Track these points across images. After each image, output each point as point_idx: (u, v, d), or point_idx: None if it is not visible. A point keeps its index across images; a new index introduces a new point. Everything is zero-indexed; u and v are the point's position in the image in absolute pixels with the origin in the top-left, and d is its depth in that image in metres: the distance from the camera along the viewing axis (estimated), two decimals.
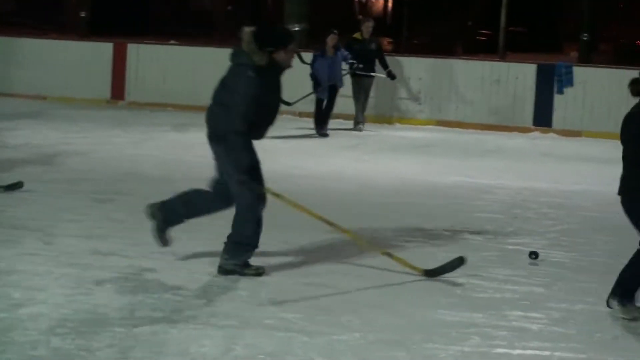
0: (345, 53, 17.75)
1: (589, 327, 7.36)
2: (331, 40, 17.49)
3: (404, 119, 20.55)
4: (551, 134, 20.03)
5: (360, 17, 54.51)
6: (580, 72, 20.79)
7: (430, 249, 9.63)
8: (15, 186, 11.35)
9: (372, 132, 18.82)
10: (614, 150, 17.33)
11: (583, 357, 6.74)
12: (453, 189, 13.22)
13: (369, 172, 14.38)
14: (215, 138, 8.25)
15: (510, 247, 9.84)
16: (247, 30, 8.22)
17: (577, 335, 7.18)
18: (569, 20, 46.62)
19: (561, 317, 7.59)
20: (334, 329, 7.01)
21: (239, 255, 8.38)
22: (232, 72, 8.32)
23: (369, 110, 19.59)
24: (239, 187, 8.18)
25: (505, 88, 20.72)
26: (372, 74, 18.91)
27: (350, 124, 19.05)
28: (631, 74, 23.07)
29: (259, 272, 8.42)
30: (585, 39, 38.48)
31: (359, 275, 8.55)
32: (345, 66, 17.94)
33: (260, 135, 8.37)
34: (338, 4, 48.35)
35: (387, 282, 8.38)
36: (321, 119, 17.75)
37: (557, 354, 6.76)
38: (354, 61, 18.03)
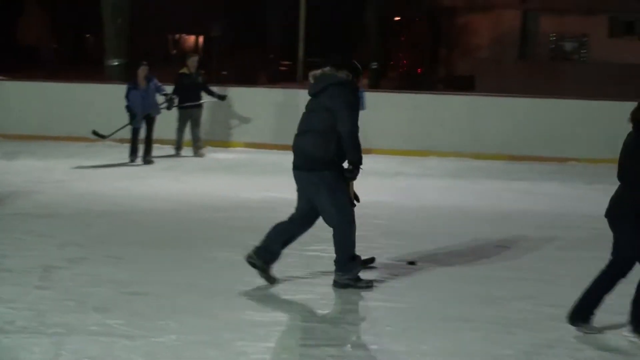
0: (159, 84, 17.50)
1: (381, 321, 7.52)
2: (142, 71, 17.18)
3: (216, 141, 20.51)
4: None
5: (174, 51, 54.54)
6: (371, 97, 21.17)
7: (239, 257, 9.67)
8: None
9: (189, 155, 18.68)
10: (400, 165, 17.95)
11: (375, 347, 6.90)
12: (261, 203, 13.26)
13: (184, 191, 14.30)
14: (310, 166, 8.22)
15: (310, 253, 9.93)
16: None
17: (370, 328, 7.34)
18: (359, 51, 47.44)
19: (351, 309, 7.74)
20: (152, 332, 7.00)
21: (351, 270, 8.37)
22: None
23: (186, 136, 19.42)
24: (342, 207, 8.22)
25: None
26: (202, 101, 18.83)
27: (170, 149, 18.85)
28: (415, 97, 23.71)
29: (369, 285, 8.45)
30: (374, 67, 39.34)
31: (176, 284, 8.53)
32: (161, 97, 17.71)
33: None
34: (154, 39, 48.04)
35: (201, 287, 8.40)
36: (138, 147, 17.28)
37: (352, 345, 6.89)
38: (169, 93, 17.85)
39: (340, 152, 8.22)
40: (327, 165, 8.20)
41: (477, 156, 19.09)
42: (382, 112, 20.56)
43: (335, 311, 7.79)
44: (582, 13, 46.80)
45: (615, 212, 7.11)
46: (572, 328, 7.32)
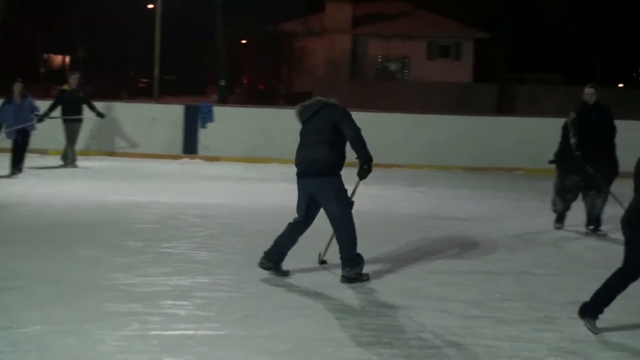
0: (34, 104, 16.99)
1: (225, 310, 7.53)
2: (17, 87, 16.76)
3: (83, 150, 20.13)
4: (197, 160, 20.27)
5: (43, 70, 53.15)
6: (220, 111, 21.20)
7: (102, 254, 9.54)
8: None
9: (57, 163, 18.27)
10: (244, 171, 17.99)
11: (221, 333, 6.90)
12: (118, 205, 13.10)
13: (52, 195, 14.00)
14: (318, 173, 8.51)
15: (163, 250, 9.88)
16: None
17: (215, 316, 7.33)
18: (209, 70, 47.36)
19: (203, 303, 7.71)
20: (17, 324, 6.84)
21: (358, 265, 8.57)
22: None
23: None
24: (346, 209, 8.53)
25: (161, 124, 20.79)
26: (81, 116, 18.41)
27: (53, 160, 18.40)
28: (258, 111, 23.68)
29: (368, 277, 8.67)
30: (222, 84, 39.25)
31: (43, 279, 8.34)
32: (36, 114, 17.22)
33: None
34: (23, 57, 46.73)
35: (65, 282, 8.25)
36: (17, 158, 16.83)
37: (200, 332, 6.88)
38: (39, 114, 17.29)
39: (341, 160, 8.60)
40: (334, 169, 8.57)
41: None
42: (229, 124, 20.61)
43: (184, 301, 7.75)
44: (404, 38, 47.80)
45: (636, 222, 7.00)
46: (397, 312, 7.51)
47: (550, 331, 7.17)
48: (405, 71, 48.53)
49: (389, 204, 14.23)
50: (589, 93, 11.79)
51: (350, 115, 8.66)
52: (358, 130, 8.56)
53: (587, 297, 8.14)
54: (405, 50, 48.24)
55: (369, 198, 14.72)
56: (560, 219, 12.04)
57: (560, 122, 19.60)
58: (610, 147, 11.62)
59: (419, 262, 9.57)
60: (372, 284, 8.60)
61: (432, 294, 8.30)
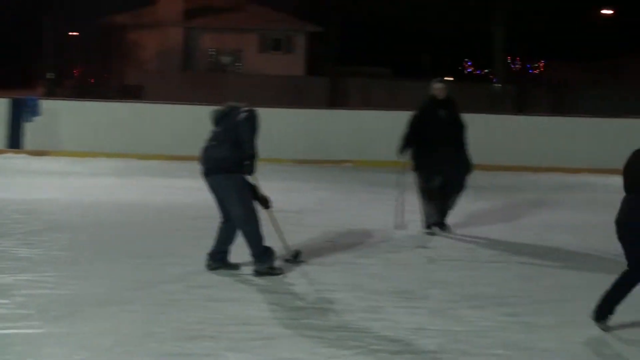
0: None
1: (47, 307, 7.31)
2: None
3: None
4: (22, 154, 19.64)
5: None
6: (47, 104, 20.59)
7: None
8: None
9: None
10: (71, 165, 17.55)
11: (42, 331, 6.70)
12: None
13: None
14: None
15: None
16: None
17: (36, 314, 7.11)
18: (37, 62, 45.98)
19: (23, 301, 7.47)
20: None
21: (268, 259, 8.71)
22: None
23: None
24: (248, 207, 8.66)
25: None
26: None
27: None
28: (87, 104, 23.21)
29: (282, 271, 8.79)
30: (50, 77, 38.23)
31: None
32: None
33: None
34: None
35: None
36: None
37: (20, 331, 6.66)
38: None
39: (243, 158, 8.67)
40: (235, 167, 8.67)
41: (142, 157, 19.02)
42: (56, 118, 20.07)
43: (4, 299, 7.48)
44: (236, 31, 47.77)
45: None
46: (223, 305, 7.49)
47: (376, 320, 7.29)
48: (238, 64, 48.51)
49: None
50: (438, 88, 11.30)
51: (252, 119, 8.78)
52: (253, 131, 8.73)
53: (412, 287, 8.36)
54: (238, 43, 48.24)
55: (191, 191, 14.67)
56: (435, 220, 11.34)
57: (390, 114, 20.27)
58: (461, 144, 11.24)
59: (246, 255, 9.57)
60: (200, 277, 8.54)
61: (260, 286, 8.31)
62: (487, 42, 40.08)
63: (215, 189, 8.84)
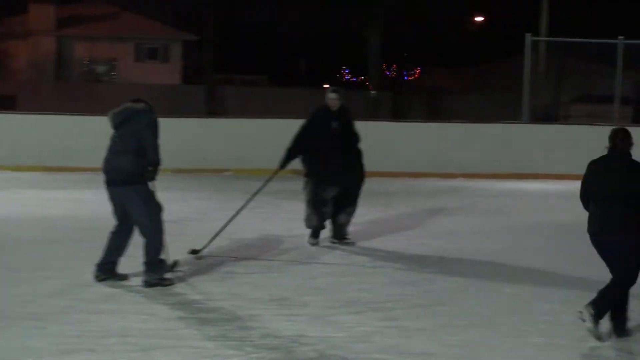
0: None
1: None
2: None
3: None
4: None
5: None
6: None
7: None
8: None
9: None
10: None
11: None
12: None
13: None
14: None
15: None
16: None
17: None
18: None
19: None
20: None
21: (160, 270, 8.66)
22: None
23: None
24: (155, 217, 8.67)
25: None
26: None
27: None
28: None
29: (173, 282, 8.74)
30: None
31: None
32: None
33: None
34: None
35: None
36: None
37: None
38: None
39: (145, 168, 8.65)
40: (138, 178, 8.64)
41: (17, 168, 18.61)
42: None
43: None
44: (111, 40, 47.15)
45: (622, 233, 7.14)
46: (100, 317, 7.40)
47: (255, 329, 7.32)
48: (113, 74, 47.87)
49: (97, 208, 13.96)
50: (332, 98, 10.95)
51: (154, 124, 8.75)
52: (156, 136, 8.73)
53: (290, 294, 8.42)
54: (113, 52, 47.60)
55: (65, 203, 14.44)
56: (315, 235, 11.10)
57: (268, 122, 20.34)
58: (355, 154, 11.00)
59: (122, 265, 9.47)
60: (80, 289, 8.42)
61: (141, 297, 8.25)
62: (363, 49, 40.62)
63: (117, 199, 8.76)
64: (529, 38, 20.88)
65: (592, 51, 23.48)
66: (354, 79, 54.09)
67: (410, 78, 53.83)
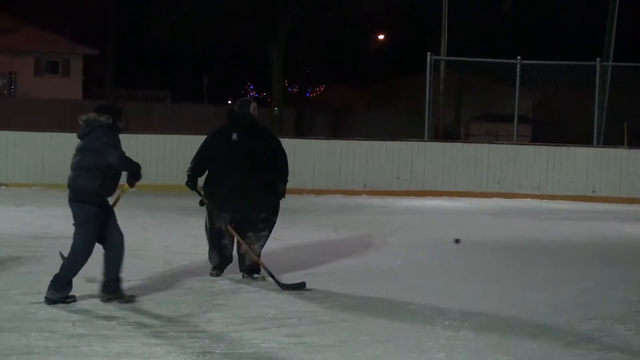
0: None
1: None
2: None
3: None
4: None
5: None
6: None
7: None
8: None
9: None
10: None
11: None
12: None
13: None
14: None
15: None
16: None
17: None
18: None
19: None
20: None
21: (65, 289, 8.55)
22: None
23: None
24: (87, 241, 8.59)
25: None
26: None
27: None
28: None
29: (74, 299, 8.60)
30: None
31: None
32: None
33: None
34: None
35: None
36: None
37: None
38: None
39: (104, 186, 8.57)
40: (91, 198, 8.54)
41: None
42: None
43: None
44: (10, 53, 46.29)
45: None
46: (3, 336, 7.30)
47: (159, 345, 7.30)
48: (12, 87, 46.97)
49: None
50: (255, 108, 10.14)
51: (113, 142, 8.59)
52: (122, 154, 8.58)
53: (194, 311, 8.43)
54: (12, 65, 46.70)
55: None
56: (220, 267, 10.18)
57: (170, 138, 20.24)
58: (263, 174, 9.96)
59: (27, 286, 9.34)
60: None
61: (43, 314, 8.15)
62: (266, 66, 40.77)
63: (74, 215, 8.74)
64: (430, 57, 21.27)
65: (492, 71, 24.02)
66: (257, 95, 54.18)
67: (313, 95, 54.15)
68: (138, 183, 8.89)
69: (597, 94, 21.46)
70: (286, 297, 9.27)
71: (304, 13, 39.68)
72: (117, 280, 8.80)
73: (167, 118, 40.88)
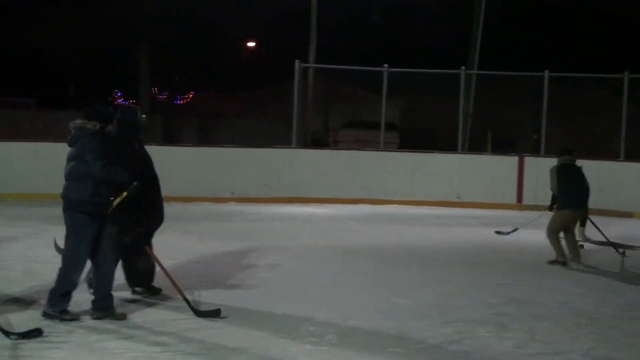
0: None
1: None
2: None
3: None
4: None
5: None
6: None
7: None
8: None
9: None
10: None
11: None
12: None
13: None
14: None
15: None
16: None
17: None
18: None
19: None
20: None
21: (61, 304, 8.35)
22: None
23: None
24: (73, 248, 8.37)
25: None
26: None
27: None
28: None
29: (76, 318, 8.38)
30: None
31: None
32: None
33: None
34: None
35: None
36: None
37: None
38: None
39: (97, 194, 8.32)
40: (83, 206, 8.32)
41: None
42: None
43: None
44: None
45: None
46: None
47: (20, 357, 7.17)
48: None
49: None
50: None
51: (96, 151, 8.31)
52: (102, 165, 8.26)
53: (55, 322, 8.29)
54: None
55: None
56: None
57: (30, 146, 19.75)
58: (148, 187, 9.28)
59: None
60: None
61: None
62: (134, 73, 40.33)
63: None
64: (298, 64, 21.43)
65: (360, 79, 24.36)
66: (125, 102, 53.49)
67: (182, 102, 53.80)
68: (130, 191, 8.56)
69: (461, 101, 22.00)
70: (150, 306, 9.19)
71: (172, 21, 39.45)
72: (107, 297, 8.55)
73: (32, 126, 39.95)
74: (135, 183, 8.55)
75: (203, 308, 9.04)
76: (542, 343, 8.29)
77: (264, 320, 8.78)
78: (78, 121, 8.60)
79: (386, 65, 21.35)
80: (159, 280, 9.57)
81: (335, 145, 32.61)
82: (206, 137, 39.53)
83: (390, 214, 18.70)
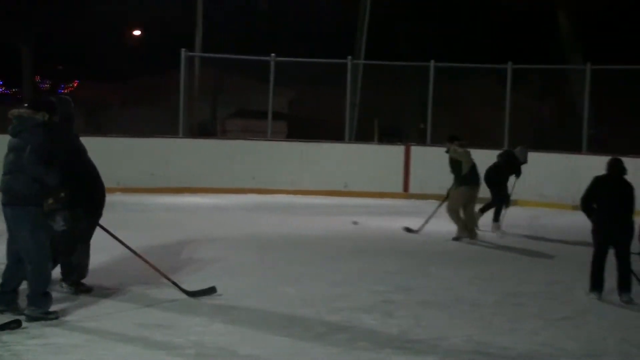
0: None
1: None
2: None
3: None
4: None
5: None
6: None
7: None
8: None
9: None
10: None
11: None
12: None
13: None
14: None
15: None
16: None
17: None
18: None
19: None
20: None
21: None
22: None
23: None
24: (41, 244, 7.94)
25: None
26: None
27: None
28: None
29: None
30: None
31: None
32: None
33: None
34: None
35: None
36: None
37: None
38: None
39: (44, 188, 7.92)
40: (31, 201, 7.89)
41: None
42: None
43: None
44: None
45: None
46: None
47: None
48: None
49: None
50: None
51: (38, 144, 7.86)
52: (34, 161, 7.81)
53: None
54: None
55: None
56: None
57: None
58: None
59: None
60: None
61: None
62: (16, 62, 39.41)
63: (9, 221, 8.06)
64: (184, 53, 21.21)
65: (248, 68, 24.26)
66: (7, 92, 52.23)
67: (65, 91, 52.80)
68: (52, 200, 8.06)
69: (348, 91, 22.10)
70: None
71: (55, 10, 38.65)
72: (38, 297, 8.09)
73: None
74: (62, 194, 8.13)
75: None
76: (426, 329, 8.42)
77: (147, 310, 8.68)
78: (23, 110, 8.23)
79: (273, 54, 21.31)
80: (140, 270, 9.31)
81: (223, 134, 32.44)
82: (92, 127, 38.90)
83: (278, 204, 18.70)
